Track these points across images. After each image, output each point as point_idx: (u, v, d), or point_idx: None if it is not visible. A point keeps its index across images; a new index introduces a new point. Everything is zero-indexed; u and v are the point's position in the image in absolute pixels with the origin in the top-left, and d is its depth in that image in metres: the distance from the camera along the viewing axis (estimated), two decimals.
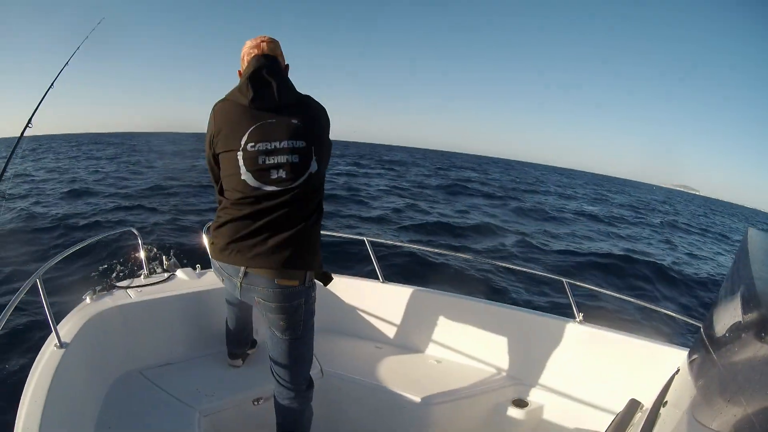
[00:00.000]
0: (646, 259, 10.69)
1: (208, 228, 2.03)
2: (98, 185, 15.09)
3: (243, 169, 1.62)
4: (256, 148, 1.60)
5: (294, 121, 1.65)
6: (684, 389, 1.21)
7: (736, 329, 0.97)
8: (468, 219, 13.37)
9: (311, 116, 1.71)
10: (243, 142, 1.61)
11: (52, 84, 2.98)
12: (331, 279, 1.91)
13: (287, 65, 1.82)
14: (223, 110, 1.68)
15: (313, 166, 1.67)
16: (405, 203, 14.97)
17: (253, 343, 2.43)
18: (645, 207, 32.77)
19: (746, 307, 0.96)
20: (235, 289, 1.73)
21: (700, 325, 1.28)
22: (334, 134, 1.83)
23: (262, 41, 1.75)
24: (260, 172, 1.61)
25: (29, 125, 2.79)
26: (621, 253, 10.95)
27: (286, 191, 1.63)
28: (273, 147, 1.61)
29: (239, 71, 1.79)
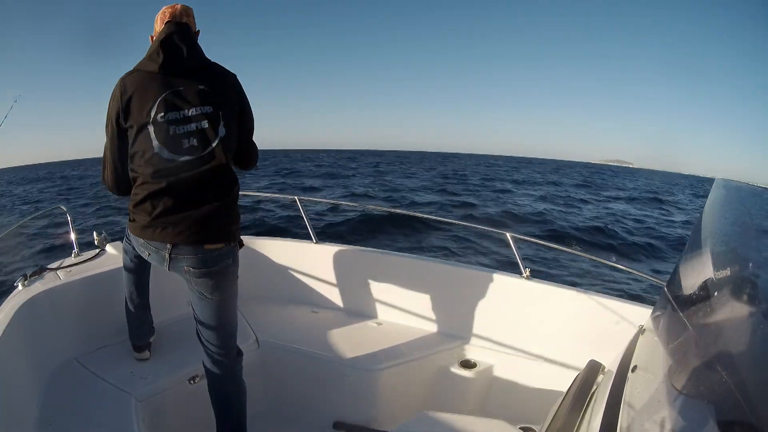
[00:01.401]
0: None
1: None
2: None
3: (155, 142, 1.58)
4: (166, 118, 1.58)
5: (201, 86, 1.64)
6: (653, 352, 1.14)
7: (707, 287, 0.90)
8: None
9: (218, 80, 1.70)
10: (153, 114, 1.58)
11: None
12: (242, 244, 1.86)
13: (198, 31, 1.81)
14: (132, 82, 1.62)
15: (221, 131, 1.65)
16: None
17: (152, 330, 2.28)
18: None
19: (718, 264, 0.91)
20: (163, 262, 1.69)
21: (664, 283, 1.21)
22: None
23: (175, 7, 1.74)
24: (172, 142, 1.59)
25: None
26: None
27: (200, 159, 1.61)
28: (182, 115, 1.60)
29: (151, 36, 1.75)
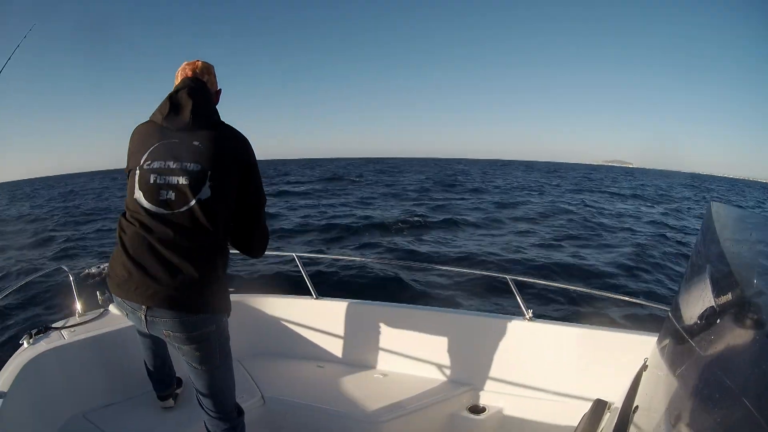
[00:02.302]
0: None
1: None
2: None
3: (136, 187, 1.58)
4: (151, 167, 1.57)
5: (196, 142, 1.59)
6: (656, 387, 1.11)
7: (709, 314, 0.88)
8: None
9: (218, 141, 1.62)
10: (142, 161, 1.59)
11: None
12: (229, 312, 1.78)
13: (219, 90, 1.82)
14: (138, 131, 1.69)
15: (204, 192, 1.56)
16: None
17: (179, 382, 2.33)
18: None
19: (718, 289, 0.89)
20: (140, 323, 1.62)
21: (668, 311, 1.19)
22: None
23: (196, 64, 1.76)
24: (150, 191, 1.56)
25: None
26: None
27: (175, 216, 1.55)
28: (166, 166, 1.56)
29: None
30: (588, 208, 19.43)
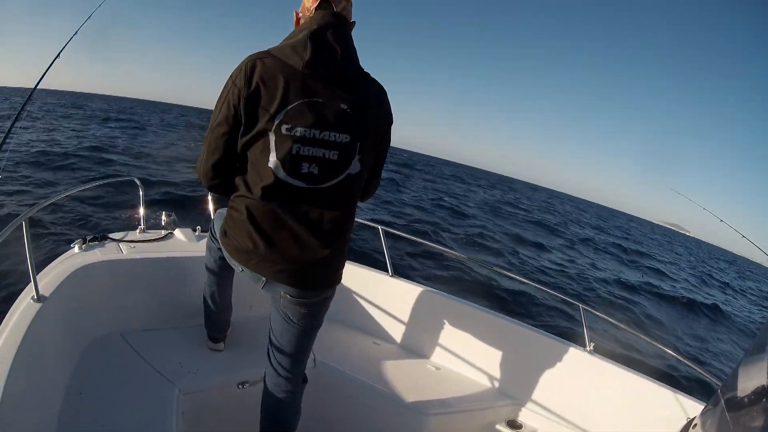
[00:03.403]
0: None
1: (219, 224, 1.66)
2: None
3: (273, 156, 1.32)
4: (292, 133, 1.31)
5: (343, 105, 1.35)
6: None
7: (760, 393, 0.92)
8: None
9: (366, 103, 1.40)
10: (277, 121, 1.30)
11: (58, 55, 2.58)
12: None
13: (353, 22, 1.45)
14: (265, 70, 1.30)
15: (354, 167, 1.40)
16: None
17: (229, 324, 2.23)
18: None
19: None
20: (257, 282, 1.48)
21: (719, 385, 1.23)
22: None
23: None
24: (291, 162, 1.32)
25: (31, 100, 2.48)
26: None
27: (315, 191, 1.36)
28: (312, 135, 1.32)
29: (296, 12, 1.46)
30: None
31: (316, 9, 1.38)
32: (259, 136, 1.33)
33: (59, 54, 2.52)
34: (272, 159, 1.32)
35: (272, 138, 1.31)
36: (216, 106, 1.39)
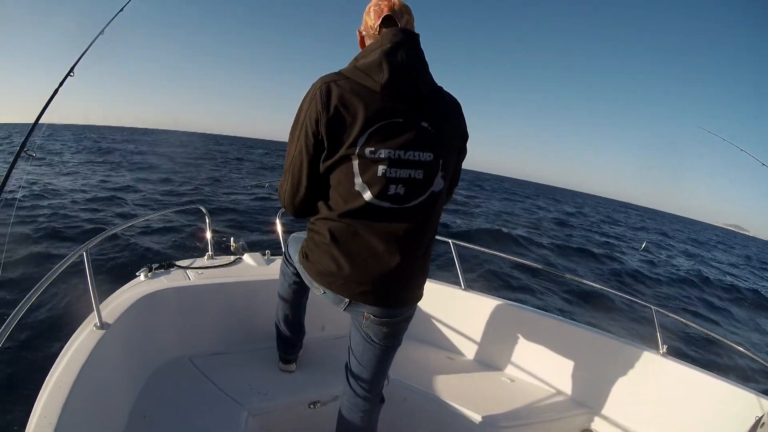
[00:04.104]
0: None
1: (299, 244, 1.64)
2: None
3: (358, 179, 1.30)
4: (377, 156, 1.28)
5: (424, 124, 1.33)
6: None
7: None
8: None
9: (445, 119, 1.39)
10: (360, 144, 1.28)
11: (70, 70, 2.52)
12: None
13: (418, 35, 1.41)
14: (341, 93, 1.28)
15: (438, 184, 1.38)
16: None
17: (300, 346, 2.23)
18: None
19: None
20: (339, 303, 1.46)
21: None
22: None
23: (392, 2, 1.39)
24: (378, 184, 1.30)
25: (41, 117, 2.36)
26: None
27: (400, 211, 1.34)
28: (397, 156, 1.30)
29: (359, 31, 1.45)
30: None
31: (380, 26, 1.37)
32: (342, 160, 1.31)
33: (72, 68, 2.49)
34: (358, 182, 1.31)
35: (356, 161, 1.30)
36: (292, 134, 1.38)
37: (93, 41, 2.64)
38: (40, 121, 2.30)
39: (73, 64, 2.50)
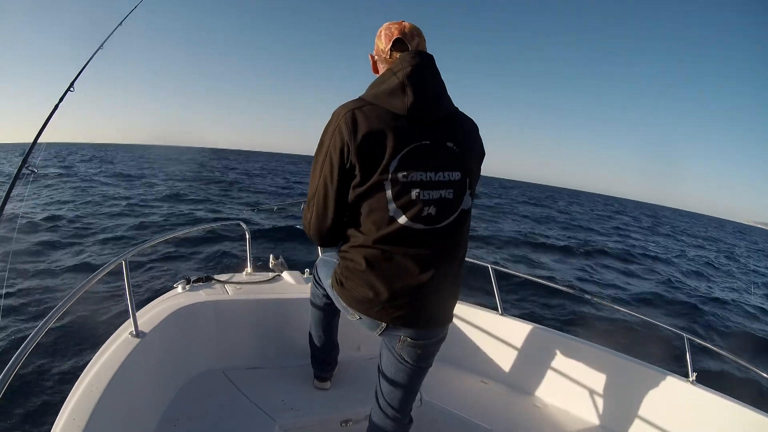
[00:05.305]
0: None
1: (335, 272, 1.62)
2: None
3: (392, 205, 1.32)
4: (409, 179, 1.31)
5: (450, 144, 1.36)
6: None
7: None
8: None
9: (467, 139, 1.43)
10: (392, 170, 1.30)
11: (70, 86, 2.52)
12: None
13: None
14: (366, 119, 1.29)
15: (467, 202, 1.41)
16: None
17: (336, 363, 2.25)
18: None
19: None
20: (377, 328, 1.47)
21: None
22: None
23: (403, 25, 1.42)
24: (412, 207, 1.32)
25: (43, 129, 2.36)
26: None
27: (432, 231, 1.36)
28: (428, 178, 1.33)
29: (371, 55, 1.49)
30: None
31: (391, 50, 1.41)
32: (375, 186, 1.32)
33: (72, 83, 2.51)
34: (392, 207, 1.32)
35: (389, 186, 1.31)
36: (315, 162, 1.39)
37: (92, 56, 2.65)
38: (39, 140, 2.31)
39: (72, 79, 2.51)
